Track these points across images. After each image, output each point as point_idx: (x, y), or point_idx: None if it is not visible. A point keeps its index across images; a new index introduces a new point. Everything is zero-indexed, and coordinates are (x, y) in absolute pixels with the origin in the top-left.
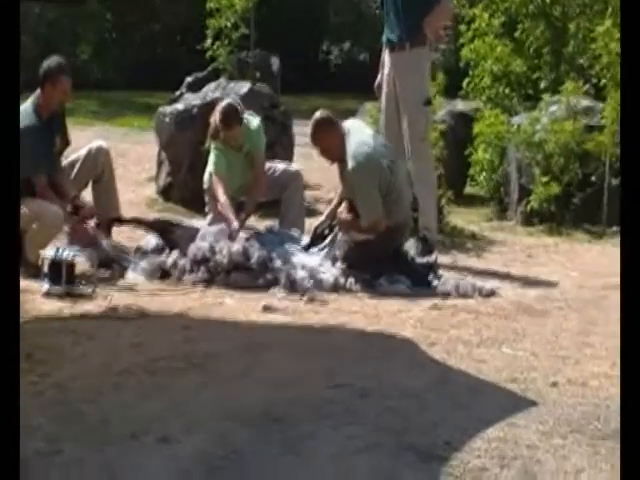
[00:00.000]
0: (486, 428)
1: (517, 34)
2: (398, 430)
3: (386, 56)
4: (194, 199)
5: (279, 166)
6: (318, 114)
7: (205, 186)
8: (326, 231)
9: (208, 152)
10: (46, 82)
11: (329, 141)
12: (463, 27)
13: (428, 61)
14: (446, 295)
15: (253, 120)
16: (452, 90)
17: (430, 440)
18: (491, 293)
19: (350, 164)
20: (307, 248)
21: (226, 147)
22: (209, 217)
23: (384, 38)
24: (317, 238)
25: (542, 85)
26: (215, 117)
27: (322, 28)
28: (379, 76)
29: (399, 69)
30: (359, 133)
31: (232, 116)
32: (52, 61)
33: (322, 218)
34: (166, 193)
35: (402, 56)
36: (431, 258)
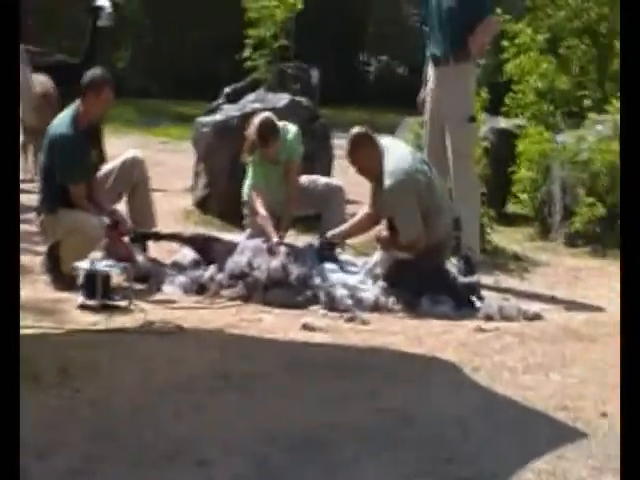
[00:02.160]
0: (534, 460)
1: (561, 50)
2: (442, 459)
3: (430, 71)
4: (232, 211)
5: (321, 180)
6: (355, 130)
7: (244, 199)
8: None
9: (246, 164)
10: (89, 92)
11: (367, 158)
12: (506, 42)
13: (473, 77)
14: (489, 318)
15: (290, 129)
16: (493, 106)
17: (476, 471)
18: (536, 317)
19: (387, 181)
20: (318, 254)
21: (263, 160)
22: (247, 231)
23: (428, 53)
24: (326, 248)
25: (587, 103)
26: (251, 132)
27: (360, 40)
28: (422, 91)
29: (443, 84)
30: (397, 150)
31: (269, 132)
32: (96, 72)
33: (340, 229)
34: (203, 205)
35: (446, 71)
36: (473, 279)
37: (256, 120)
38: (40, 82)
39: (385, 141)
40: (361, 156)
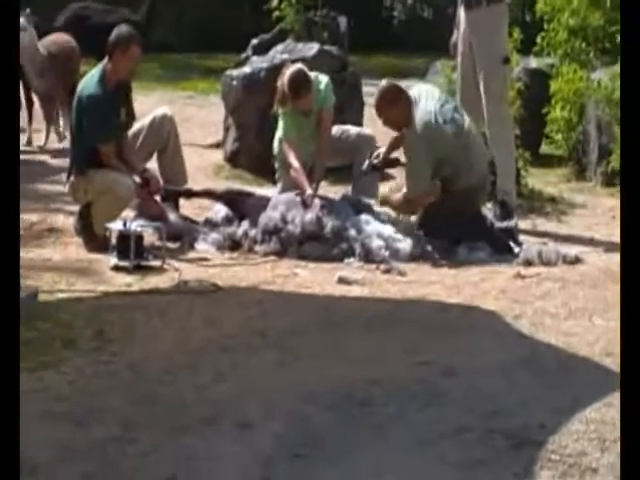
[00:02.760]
0: (583, 409)
1: None
2: (487, 412)
3: (461, 14)
4: (262, 165)
5: (352, 130)
6: (384, 84)
7: (275, 153)
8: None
9: (276, 117)
10: (116, 50)
11: (394, 111)
12: None
13: (505, 18)
14: (529, 263)
15: (322, 80)
16: (525, 46)
17: (522, 422)
18: (576, 260)
19: (409, 132)
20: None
21: (295, 112)
22: (279, 185)
23: None
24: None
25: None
26: (283, 83)
27: None
28: (454, 34)
29: (475, 27)
30: (426, 100)
31: (301, 84)
32: (123, 29)
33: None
34: (233, 159)
35: (478, 14)
36: (511, 223)
37: (287, 72)
38: (53, 42)
39: (416, 91)
40: (389, 109)
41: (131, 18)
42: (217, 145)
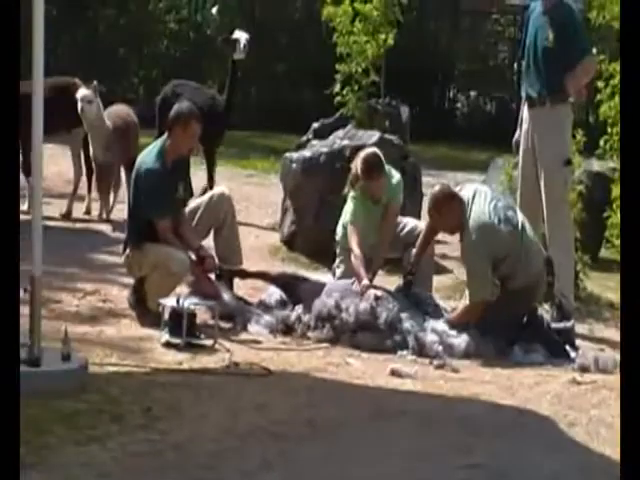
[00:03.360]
0: None
1: None
2: None
3: (525, 111)
4: (318, 249)
5: (410, 223)
6: (437, 189)
7: (338, 237)
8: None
9: (344, 199)
10: (176, 126)
11: (447, 217)
12: (601, 83)
13: (569, 119)
14: (585, 369)
15: (394, 174)
16: (587, 148)
17: None
18: None
19: (465, 236)
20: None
21: (365, 197)
22: (339, 270)
23: (523, 93)
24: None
25: None
26: (357, 165)
27: (449, 76)
28: (517, 132)
29: (538, 126)
30: (479, 200)
31: (375, 167)
32: (184, 106)
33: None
34: (290, 242)
35: (542, 113)
36: (568, 327)
37: (362, 153)
38: (116, 115)
39: (469, 192)
40: (443, 216)
41: (217, 98)
42: (274, 227)
